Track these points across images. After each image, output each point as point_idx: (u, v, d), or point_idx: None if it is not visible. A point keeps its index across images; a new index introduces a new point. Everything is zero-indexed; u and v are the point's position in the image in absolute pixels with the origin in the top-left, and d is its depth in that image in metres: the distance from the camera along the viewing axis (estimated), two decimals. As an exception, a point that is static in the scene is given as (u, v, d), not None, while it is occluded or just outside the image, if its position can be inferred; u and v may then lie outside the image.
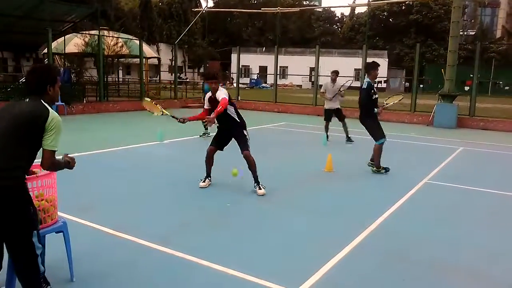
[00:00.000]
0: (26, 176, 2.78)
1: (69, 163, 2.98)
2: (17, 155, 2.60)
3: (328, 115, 10.73)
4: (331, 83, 10.60)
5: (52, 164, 2.75)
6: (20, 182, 2.61)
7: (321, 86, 11.43)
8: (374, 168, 7.42)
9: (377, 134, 7.29)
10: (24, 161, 2.66)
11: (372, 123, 7.29)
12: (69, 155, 3.04)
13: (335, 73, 10.71)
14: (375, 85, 7.44)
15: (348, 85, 10.82)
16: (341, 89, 10.52)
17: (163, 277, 3.45)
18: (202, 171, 6.21)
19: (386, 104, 7.51)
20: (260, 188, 5.86)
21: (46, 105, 2.74)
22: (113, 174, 6.95)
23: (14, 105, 2.76)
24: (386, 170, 7.44)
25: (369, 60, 8.53)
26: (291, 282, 3.41)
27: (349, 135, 10.71)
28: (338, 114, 10.67)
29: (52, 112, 2.71)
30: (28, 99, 2.77)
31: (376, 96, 7.22)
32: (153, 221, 4.74)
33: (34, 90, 2.80)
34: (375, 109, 7.18)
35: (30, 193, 2.73)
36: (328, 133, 10.67)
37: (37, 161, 2.78)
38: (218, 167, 6.32)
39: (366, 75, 7.45)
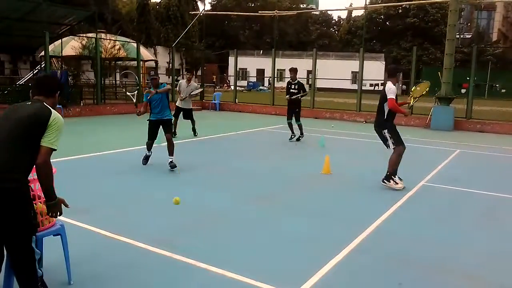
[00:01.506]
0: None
1: (56, 201, 2.78)
2: (20, 158, 2.60)
3: (177, 111, 11.36)
4: (186, 83, 11.36)
5: (45, 163, 2.63)
6: (22, 185, 2.61)
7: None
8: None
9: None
10: (27, 163, 2.65)
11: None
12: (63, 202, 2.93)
13: (191, 74, 12.09)
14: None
15: (197, 92, 11.69)
16: (192, 93, 11.34)
17: (161, 280, 3.44)
18: (200, 172, 6.20)
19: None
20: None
21: (48, 106, 2.79)
22: (111, 176, 6.93)
23: (17, 108, 2.79)
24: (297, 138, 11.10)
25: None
26: (289, 284, 3.41)
27: (195, 129, 11.51)
28: (187, 113, 11.46)
29: (55, 113, 2.76)
30: (30, 102, 2.81)
31: (291, 90, 10.87)
32: (151, 224, 4.73)
33: (43, 91, 2.88)
34: (287, 97, 10.99)
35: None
36: (176, 130, 11.06)
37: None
38: (219, 170, 6.31)
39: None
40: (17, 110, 2.76)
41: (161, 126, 7.42)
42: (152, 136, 7.48)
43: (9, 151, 2.57)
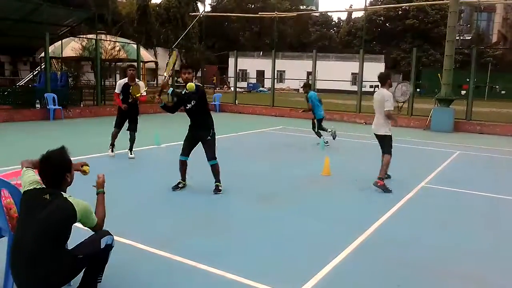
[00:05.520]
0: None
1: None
2: (54, 257, 2.62)
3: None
4: None
5: (103, 225, 3.16)
6: (60, 267, 2.65)
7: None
8: None
9: None
10: (62, 258, 2.69)
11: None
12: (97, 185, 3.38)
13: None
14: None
15: None
16: None
17: (161, 281, 3.44)
18: (200, 175, 6.20)
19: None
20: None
21: (69, 200, 2.72)
22: (110, 178, 6.90)
23: (41, 209, 2.64)
24: None
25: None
26: (289, 286, 3.41)
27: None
28: None
29: (77, 206, 2.74)
30: (49, 197, 2.68)
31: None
32: (151, 225, 4.73)
33: (52, 182, 2.75)
34: None
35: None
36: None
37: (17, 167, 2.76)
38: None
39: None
40: (41, 212, 2.62)
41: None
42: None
43: (39, 259, 2.56)
